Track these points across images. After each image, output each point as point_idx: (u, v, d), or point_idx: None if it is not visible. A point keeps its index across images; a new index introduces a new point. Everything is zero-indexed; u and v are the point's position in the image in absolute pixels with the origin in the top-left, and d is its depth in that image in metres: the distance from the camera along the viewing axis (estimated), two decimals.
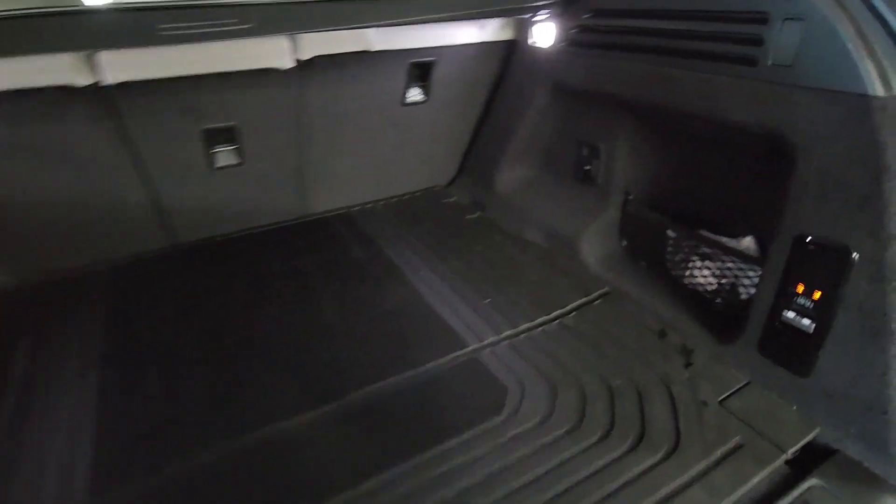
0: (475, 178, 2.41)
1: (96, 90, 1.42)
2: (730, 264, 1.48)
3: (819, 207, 1.10)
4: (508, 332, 1.52)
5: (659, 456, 1.12)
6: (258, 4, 1.18)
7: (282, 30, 1.38)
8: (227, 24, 1.16)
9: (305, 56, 1.62)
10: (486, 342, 1.48)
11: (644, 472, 1.09)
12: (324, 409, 1.26)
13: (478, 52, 2.01)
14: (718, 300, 1.51)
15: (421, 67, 1.96)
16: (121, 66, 1.41)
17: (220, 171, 1.87)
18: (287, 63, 1.60)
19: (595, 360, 1.40)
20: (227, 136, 1.78)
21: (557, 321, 1.57)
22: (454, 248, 1.98)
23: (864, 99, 0.99)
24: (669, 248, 1.64)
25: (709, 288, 1.54)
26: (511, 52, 2.10)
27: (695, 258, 1.57)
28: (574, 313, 1.60)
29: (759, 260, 1.42)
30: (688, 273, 1.59)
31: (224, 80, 1.59)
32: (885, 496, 1.05)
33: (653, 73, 1.44)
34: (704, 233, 1.56)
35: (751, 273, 1.44)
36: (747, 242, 1.47)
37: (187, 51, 1.48)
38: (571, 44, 1.75)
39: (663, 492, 1.04)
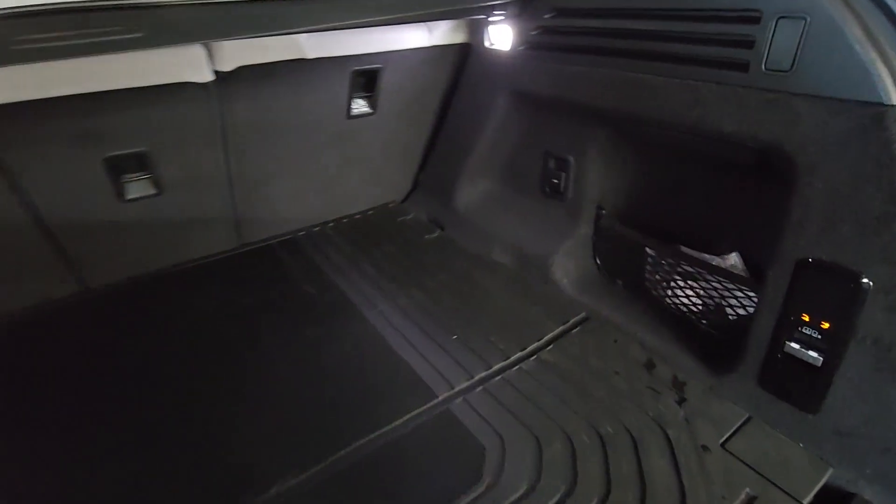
0: (432, 193, 2.22)
1: None
2: (715, 284, 1.37)
3: (825, 229, 0.98)
4: (482, 375, 1.34)
5: None
6: (151, 7, 0.92)
7: (181, 40, 1.11)
8: (109, 34, 0.90)
9: (227, 67, 1.38)
10: (457, 389, 1.30)
11: None
12: (270, 492, 1.03)
13: (428, 57, 1.82)
14: (704, 322, 1.39)
15: (365, 75, 1.75)
16: None
17: (134, 203, 1.59)
18: (205, 76, 1.35)
19: (580, 403, 1.24)
20: (137, 163, 1.51)
21: (534, 357, 1.40)
22: (414, 275, 1.78)
23: (877, 108, 0.87)
24: (649, 267, 1.52)
25: (693, 309, 1.42)
26: (465, 56, 1.92)
27: (676, 277, 1.45)
28: (552, 346, 1.44)
29: (749, 280, 1.30)
30: (670, 293, 1.47)
31: (129, 99, 1.32)
32: None
33: (627, 79, 1.29)
34: (686, 249, 1.44)
35: (738, 294, 1.33)
36: (732, 259, 1.36)
37: (76, 65, 1.21)
38: (532, 47, 1.59)
39: None
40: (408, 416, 1.22)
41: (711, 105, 1.12)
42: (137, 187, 1.55)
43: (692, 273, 1.41)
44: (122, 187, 1.53)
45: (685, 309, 1.44)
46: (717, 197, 1.37)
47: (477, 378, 1.33)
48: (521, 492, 1.04)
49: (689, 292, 1.42)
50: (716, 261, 1.36)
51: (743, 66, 1.04)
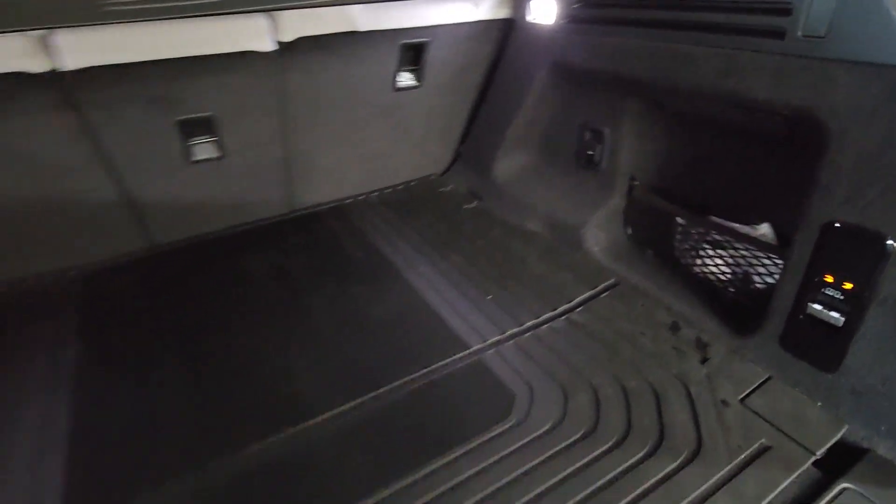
0: (472, 166, 2.30)
1: (53, 77, 1.28)
2: (744, 252, 1.41)
3: (853, 193, 1.01)
4: (513, 331, 1.43)
5: (679, 461, 1.05)
6: None
7: (255, 4, 1.23)
8: None
9: (287, 38, 1.50)
10: (489, 342, 1.40)
11: (664, 479, 1.02)
12: (316, 424, 1.16)
13: (473, 32, 1.89)
14: (731, 290, 1.43)
15: (413, 49, 1.84)
16: (80, 49, 1.27)
17: (199, 165, 1.74)
18: (267, 45, 1.48)
19: (607, 360, 1.32)
20: (204, 127, 1.66)
21: (564, 317, 1.48)
22: (453, 241, 1.88)
23: None
24: (678, 236, 1.56)
25: (721, 277, 1.46)
26: (508, 31, 1.98)
27: (706, 246, 1.49)
28: (581, 308, 1.51)
29: (776, 248, 1.34)
30: (699, 262, 1.51)
31: (199, 66, 1.46)
32: None
33: (664, 49, 1.33)
34: (716, 219, 1.48)
35: (767, 262, 1.37)
36: (764, 230, 1.39)
37: (155, 32, 1.35)
38: (574, 20, 1.63)
39: (688, 499, 0.97)
40: (442, 363, 1.33)
41: (747, 73, 1.15)
42: (203, 150, 1.71)
43: (721, 242, 1.45)
44: (189, 150, 1.68)
45: (713, 277, 1.48)
46: (748, 167, 1.39)
47: (508, 333, 1.43)
48: (544, 429, 1.13)
49: (718, 261, 1.46)
50: (746, 230, 1.40)
51: (780, 34, 1.07)
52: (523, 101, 1.94)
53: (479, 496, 0.99)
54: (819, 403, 1.14)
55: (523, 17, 1.84)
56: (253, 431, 1.14)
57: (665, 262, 1.61)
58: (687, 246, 1.55)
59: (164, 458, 1.10)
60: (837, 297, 1.06)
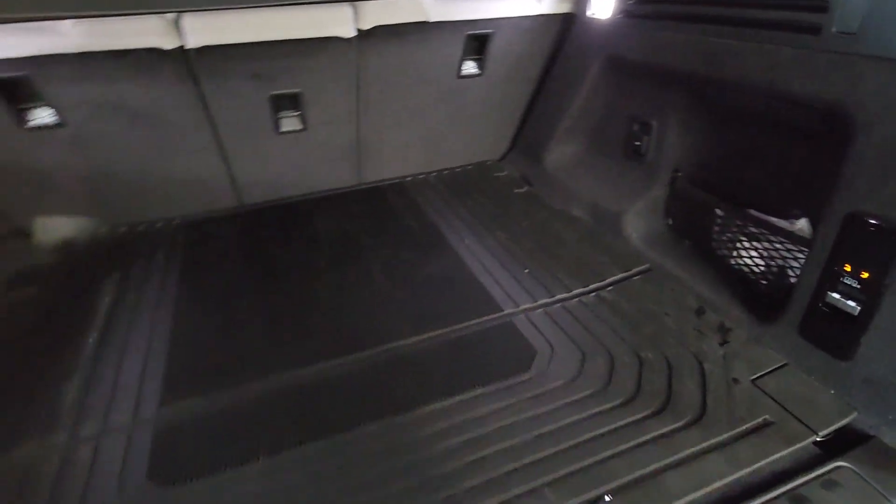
0: (526, 153, 2.43)
1: (180, 54, 1.58)
2: (778, 246, 1.44)
3: (875, 184, 1.05)
4: (544, 300, 1.56)
5: (681, 423, 1.13)
6: None
7: None
8: None
9: (366, 25, 1.71)
10: (521, 308, 1.53)
11: (664, 436, 1.11)
12: (360, 355, 1.37)
13: (534, 25, 2.02)
14: (763, 282, 1.47)
15: (477, 40, 2.00)
16: (201, 30, 1.56)
17: (285, 136, 2.01)
18: (349, 32, 1.70)
19: (628, 333, 1.41)
20: (292, 102, 1.92)
21: (594, 293, 1.58)
22: (500, 220, 2.03)
23: None
24: (716, 227, 1.60)
25: (756, 269, 1.50)
26: (567, 25, 2.09)
27: (742, 238, 1.53)
28: (612, 287, 1.61)
29: (811, 243, 1.36)
30: (734, 254, 1.56)
31: (291, 49, 1.71)
32: None
33: (711, 44, 1.40)
34: (755, 212, 1.51)
35: (800, 256, 1.39)
36: (801, 224, 1.41)
37: (259, 19, 1.61)
38: (628, 15, 1.72)
39: (681, 455, 1.06)
40: (476, 321, 1.48)
41: (784, 67, 1.20)
42: (289, 122, 1.97)
43: (757, 234, 1.49)
44: (278, 122, 1.95)
45: (747, 269, 1.52)
46: (787, 162, 1.41)
47: (540, 302, 1.56)
48: (559, 384, 1.26)
49: (753, 253, 1.50)
50: (782, 224, 1.43)
51: (816, 29, 1.11)
52: (577, 93, 2.04)
53: (493, 427, 1.14)
54: (832, 391, 1.18)
55: (583, 11, 1.94)
56: (311, 355, 1.37)
57: (701, 253, 1.66)
58: (724, 237, 1.60)
59: (238, 365, 1.35)
60: (854, 286, 1.09)
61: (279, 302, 1.61)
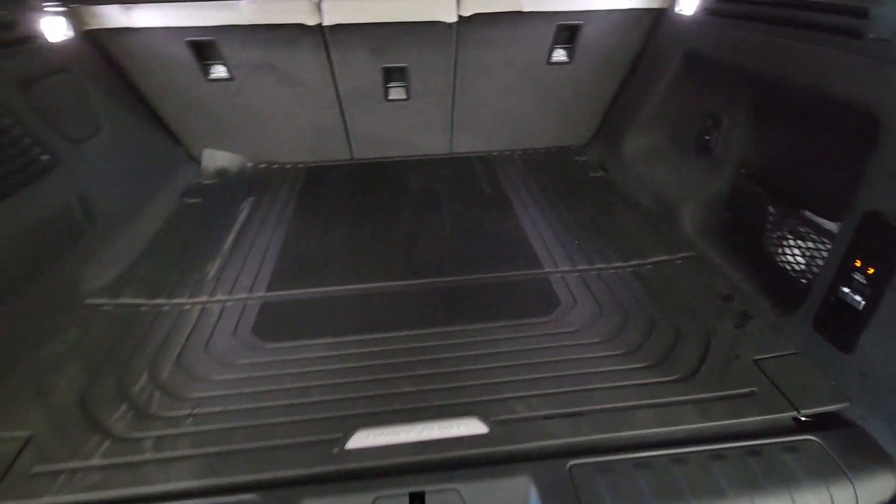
0: (606, 141, 2.55)
1: (318, 29, 2.00)
2: (821, 247, 1.46)
3: (892, 184, 1.09)
4: (583, 267, 1.75)
5: (670, 378, 1.27)
6: None
7: None
8: None
9: (467, 13, 1.99)
10: (559, 269, 1.74)
11: (650, 385, 1.26)
12: (414, 282, 1.69)
13: (624, 18, 2.13)
14: (804, 281, 1.51)
15: (567, 30, 2.17)
16: (336, 11, 1.96)
17: (392, 103, 2.38)
18: (451, 18, 1.99)
19: (650, 303, 1.55)
20: (399, 74, 2.27)
21: (633, 269, 1.73)
22: (567, 197, 2.22)
23: None
24: (768, 225, 1.65)
25: (796, 268, 1.54)
26: (654, 20, 2.17)
27: (789, 237, 1.57)
28: (650, 266, 1.74)
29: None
30: (779, 251, 1.60)
31: (402, 29, 2.05)
32: (883, 473, 1.06)
33: (774, 44, 1.45)
34: (808, 213, 1.54)
35: None
36: None
37: (379, 3, 1.98)
38: (709, 12, 1.78)
39: (659, 400, 1.21)
40: (518, 272, 1.73)
41: (830, 69, 1.25)
42: (396, 92, 2.33)
43: (804, 234, 1.52)
44: (387, 90, 2.32)
45: (788, 267, 1.56)
46: (835, 164, 1.42)
47: (578, 268, 1.75)
48: (572, 330, 1.46)
49: (797, 251, 1.54)
50: (829, 226, 1.45)
51: (857, 34, 1.15)
52: (658, 87, 2.12)
53: (504, 349, 1.39)
54: (833, 383, 1.24)
55: (671, 7, 2.02)
56: (379, 274, 1.73)
57: (749, 247, 1.70)
58: (773, 235, 1.63)
59: (325, 272, 1.76)
60: (861, 280, 1.15)
61: (365, 233, 2.00)
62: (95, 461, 1.09)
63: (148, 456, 1.11)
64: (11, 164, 1.57)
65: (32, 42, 1.78)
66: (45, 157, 1.68)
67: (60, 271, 1.60)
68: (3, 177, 1.52)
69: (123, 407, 1.22)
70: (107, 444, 1.13)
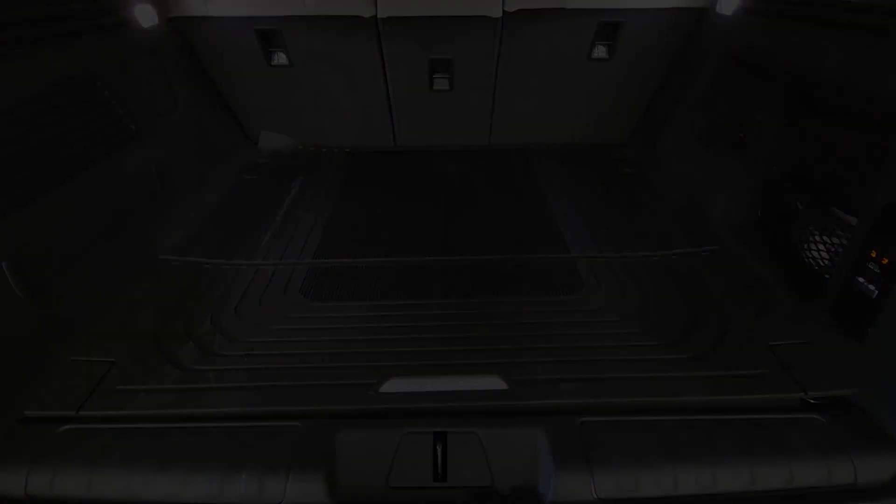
0: (644, 138, 2.60)
1: (373, 21, 2.15)
2: (846, 242, 1.50)
3: None
4: (609, 254, 1.83)
5: (682, 356, 1.34)
6: None
7: None
8: None
9: (511, 8, 2.09)
10: (585, 254, 1.83)
11: (661, 361, 1.33)
12: (446, 257, 1.82)
13: (665, 17, 2.18)
14: (827, 276, 1.54)
15: (608, 27, 2.24)
16: (389, 4, 2.11)
17: (435, 94, 2.51)
18: (496, 13, 2.10)
19: (671, 289, 1.62)
20: (444, 67, 2.40)
21: (657, 258, 1.80)
22: (599, 190, 2.30)
23: None
24: (795, 221, 1.68)
25: (821, 262, 1.57)
26: (695, 19, 2.21)
27: (816, 233, 1.60)
28: (675, 256, 1.80)
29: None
30: (805, 247, 1.63)
31: (448, 22, 2.18)
32: (885, 453, 1.11)
33: (806, 41, 1.49)
34: (837, 210, 1.57)
35: None
36: None
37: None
38: (749, 12, 1.82)
39: (667, 374, 1.28)
40: (544, 255, 1.83)
41: (857, 65, 1.29)
42: (440, 83, 2.46)
43: (830, 230, 1.55)
44: (433, 80, 2.46)
45: (813, 262, 1.59)
46: (865, 161, 1.45)
47: (604, 254, 1.83)
48: (593, 308, 1.55)
49: (822, 247, 1.57)
50: (852, 220, 1.48)
51: (883, 32, 1.19)
52: (696, 85, 2.16)
53: (524, 320, 1.50)
54: (844, 369, 1.28)
55: (713, 7, 2.06)
56: (415, 249, 1.87)
57: (775, 243, 1.74)
58: (801, 231, 1.67)
59: (366, 244, 1.91)
60: (876, 270, 1.19)
61: (404, 213, 2.14)
62: (168, 385, 1.27)
63: (211, 384, 1.28)
64: (108, 130, 1.80)
65: (128, 26, 2.01)
66: (132, 127, 1.91)
67: (139, 229, 1.81)
68: (100, 140, 1.75)
69: (190, 344, 1.41)
70: (177, 373, 1.31)
